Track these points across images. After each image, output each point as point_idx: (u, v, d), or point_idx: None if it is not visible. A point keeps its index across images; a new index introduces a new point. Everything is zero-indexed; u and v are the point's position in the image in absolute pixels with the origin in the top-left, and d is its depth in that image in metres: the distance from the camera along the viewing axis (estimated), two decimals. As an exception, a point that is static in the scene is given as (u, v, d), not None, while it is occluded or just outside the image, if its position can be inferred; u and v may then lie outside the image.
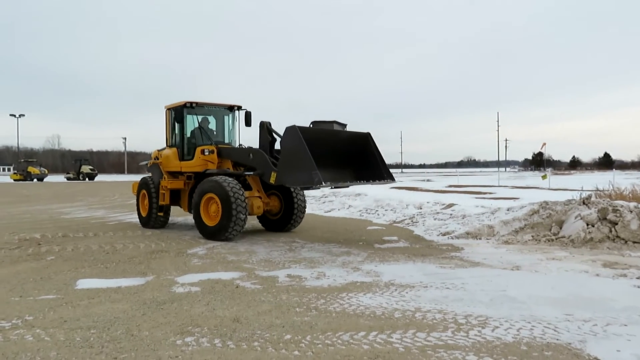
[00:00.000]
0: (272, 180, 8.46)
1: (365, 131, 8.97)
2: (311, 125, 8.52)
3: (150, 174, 11.25)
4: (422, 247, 7.88)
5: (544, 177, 26.63)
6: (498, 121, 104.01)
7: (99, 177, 63.71)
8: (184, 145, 10.37)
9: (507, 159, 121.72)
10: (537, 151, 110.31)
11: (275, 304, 4.57)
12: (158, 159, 10.95)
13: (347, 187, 10.32)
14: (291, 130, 7.76)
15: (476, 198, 15.94)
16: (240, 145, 10.85)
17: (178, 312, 4.32)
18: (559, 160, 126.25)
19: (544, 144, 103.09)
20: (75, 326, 3.94)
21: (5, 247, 7.92)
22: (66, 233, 9.60)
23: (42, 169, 59.27)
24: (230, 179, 8.86)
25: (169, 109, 10.72)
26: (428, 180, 38.10)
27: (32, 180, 55.34)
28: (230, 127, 11.00)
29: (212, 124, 10.91)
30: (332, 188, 8.99)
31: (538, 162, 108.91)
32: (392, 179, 8.56)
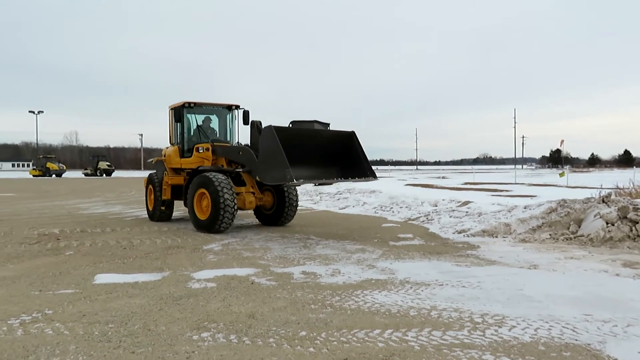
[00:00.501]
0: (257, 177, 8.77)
1: (349, 130, 9.20)
2: (290, 125, 8.91)
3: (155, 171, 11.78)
4: (438, 245, 7.83)
5: (561, 174, 26.25)
6: (515, 117, 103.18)
7: (116, 173, 64.51)
8: (184, 143, 10.86)
9: (524, 156, 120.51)
10: (555, 148, 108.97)
11: (290, 301, 4.58)
12: (164, 157, 11.46)
13: (330, 184, 10.53)
14: (267, 130, 8.10)
15: (492, 195, 15.79)
16: (238, 143, 11.13)
17: (194, 308, 4.36)
18: (577, 158, 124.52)
19: (562, 140, 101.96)
20: (93, 320, 3.99)
21: (25, 241, 8.06)
22: (84, 228, 9.74)
23: (60, 165, 60.32)
24: (220, 175, 9.26)
25: (171, 109, 11.14)
26: (443, 178, 37.85)
27: (50, 176, 56.30)
28: (230, 126, 11.47)
29: (215, 123, 11.37)
30: (316, 185, 9.31)
31: (556, 159, 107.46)
32: (374, 177, 8.88)
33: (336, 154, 9.05)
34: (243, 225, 10.42)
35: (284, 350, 3.38)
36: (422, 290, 4.94)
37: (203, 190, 9.27)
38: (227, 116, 11.44)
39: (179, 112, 10.76)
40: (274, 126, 8.11)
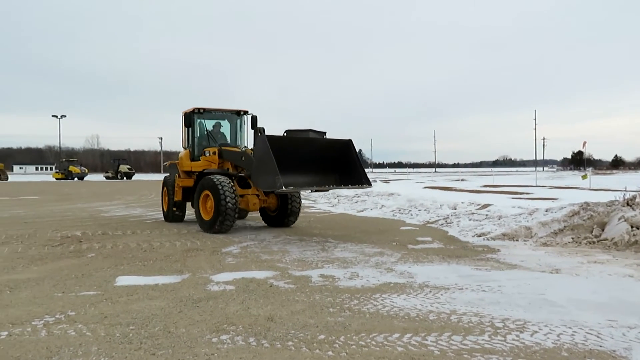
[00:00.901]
0: None
1: (347, 138, 9.46)
2: (285, 134, 9.32)
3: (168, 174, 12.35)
4: (457, 248, 7.75)
5: (584, 177, 25.78)
6: (535, 119, 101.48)
7: (136, 176, 65.45)
8: (194, 147, 11.31)
9: (545, 158, 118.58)
10: (577, 150, 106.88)
11: (308, 304, 4.58)
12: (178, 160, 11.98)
13: (325, 191, 10.73)
14: (261, 139, 8.51)
15: (513, 198, 15.60)
16: (245, 147, 11.45)
17: (213, 310, 4.38)
18: (600, 160, 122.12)
19: (585, 142, 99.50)
20: (114, 322, 4.05)
21: (48, 244, 8.22)
22: (105, 231, 9.89)
23: (82, 168, 61.36)
24: (223, 177, 9.64)
25: (183, 114, 11.50)
26: (462, 180, 37.51)
27: (73, 179, 57.30)
28: (239, 131, 11.84)
29: (225, 128, 11.80)
30: (312, 191, 9.61)
31: (578, 161, 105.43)
32: (369, 184, 9.19)
33: (333, 162, 9.32)
34: (260, 228, 10.47)
35: (302, 353, 3.37)
36: (441, 294, 4.90)
37: (207, 192, 9.69)
38: (237, 121, 11.79)
39: (189, 118, 11.13)
40: (266, 135, 8.60)
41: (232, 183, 9.55)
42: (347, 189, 9.16)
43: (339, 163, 9.34)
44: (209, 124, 11.58)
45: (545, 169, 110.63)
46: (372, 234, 9.51)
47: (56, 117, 72.94)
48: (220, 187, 9.29)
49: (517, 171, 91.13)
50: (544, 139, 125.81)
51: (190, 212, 11.77)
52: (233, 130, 11.86)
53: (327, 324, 3.99)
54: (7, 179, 55.06)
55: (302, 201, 13.46)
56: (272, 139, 8.46)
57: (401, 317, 4.16)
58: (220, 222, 9.30)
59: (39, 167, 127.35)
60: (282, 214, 10.70)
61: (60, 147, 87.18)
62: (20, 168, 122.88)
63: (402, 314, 4.26)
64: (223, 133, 11.70)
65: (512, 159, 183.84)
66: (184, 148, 11.75)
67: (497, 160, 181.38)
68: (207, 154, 10.69)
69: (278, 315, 4.22)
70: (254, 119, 11.09)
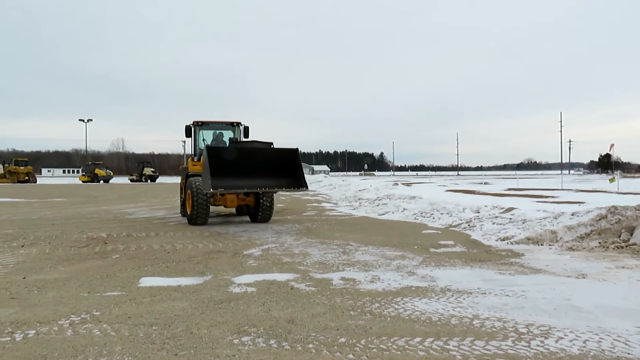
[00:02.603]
0: None
1: (294, 147, 11.08)
2: (230, 145, 11.14)
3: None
4: (480, 252, 7.65)
5: (611, 180, 25.15)
6: (561, 121, 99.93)
7: (160, 179, 66.31)
8: (195, 154, 13.17)
9: (570, 161, 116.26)
10: (605, 152, 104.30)
11: (329, 307, 4.57)
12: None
13: (258, 192, 11.69)
14: (205, 148, 10.39)
15: (538, 202, 15.31)
16: None
17: (235, 312, 4.42)
18: (628, 162, 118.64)
19: (612, 144, 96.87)
20: (138, 322, 4.11)
21: (75, 245, 8.39)
22: (130, 232, 10.05)
23: (108, 171, 62.52)
24: (199, 179, 11.15)
25: (185, 127, 13.12)
26: (485, 183, 36.97)
27: (98, 181, 58.41)
28: (239, 139, 13.37)
29: (227, 137, 13.39)
30: (261, 191, 11.20)
31: (605, 164, 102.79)
32: (306, 187, 10.79)
33: (282, 168, 10.78)
34: (282, 232, 10.51)
35: (323, 356, 3.37)
36: (463, 299, 4.84)
37: (189, 191, 11.67)
38: (234, 131, 13.41)
39: (190, 129, 13.00)
40: (207, 146, 10.70)
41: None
42: (282, 191, 10.58)
43: (287, 169, 10.77)
44: (208, 134, 13.34)
45: (572, 172, 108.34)
46: (394, 237, 9.46)
47: (83, 121, 74.43)
48: (194, 188, 11.10)
49: (542, 174, 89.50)
50: (570, 141, 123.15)
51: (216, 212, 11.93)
52: (233, 139, 13.35)
53: (348, 327, 3.98)
54: (35, 181, 56.50)
55: (324, 204, 15.19)
56: (213, 149, 10.47)
57: (423, 321, 4.13)
58: (196, 216, 11.17)
59: (66, 170, 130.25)
60: (256, 210, 12.20)
61: (86, 150, 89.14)
62: (48, 171, 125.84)
63: (424, 318, 4.23)
64: (225, 142, 13.25)
65: (537, 161, 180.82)
66: (192, 154, 13.60)
67: (521, 163, 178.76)
68: (195, 159, 12.73)
69: (299, 318, 4.23)
70: (246, 129, 13.19)
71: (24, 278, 5.83)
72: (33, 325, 4.04)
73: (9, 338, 3.73)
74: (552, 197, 18.18)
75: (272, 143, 11.49)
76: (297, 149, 11.02)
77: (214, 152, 10.37)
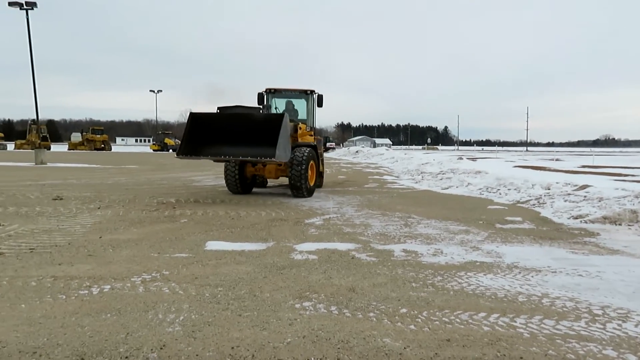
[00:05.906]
0: None
1: (281, 112, 10.73)
2: (218, 111, 10.34)
3: None
4: (550, 230, 7.29)
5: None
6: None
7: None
8: None
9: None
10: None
11: (390, 277, 4.53)
12: None
13: (239, 161, 11.09)
14: (189, 114, 10.24)
15: (616, 180, 14.37)
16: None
17: (297, 278, 4.47)
18: None
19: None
20: (204, 283, 4.26)
21: (146, 209, 8.81)
22: (197, 199, 10.42)
23: (176, 140, 65.07)
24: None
25: (258, 94, 12.70)
26: (557, 160, 35.14)
27: (168, 150, 61.02)
28: (311, 109, 13.05)
29: (301, 106, 13.11)
30: (241, 159, 10.43)
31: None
32: (276, 158, 9.46)
33: (271, 135, 9.74)
34: (343, 202, 10.50)
35: (384, 325, 3.35)
36: (532, 276, 4.64)
37: None
38: (308, 99, 12.93)
39: (263, 97, 12.51)
40: (192, 112, 10.22)
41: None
42: (256, 161, 9.95)
43: (273, 138, 9.75)
44: (280, 102, 12.90)
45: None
46: (457, 211, 9.20)
47: (153, 91, 77.40)
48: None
49: (620, 152, 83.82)
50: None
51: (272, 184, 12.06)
52: (306, 108, 13.05)
53: (410, 298, 3.93)
54: (110, 149, 59.88)
55: (385, 177, 15.02)
56: (195, 115, 10.13)
57: (487, 297, 4.00)
58: (227, 185, 11.49)
59: (138, 139, 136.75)
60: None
61: (157, 120, 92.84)
62: (122, 140, 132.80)
63: (489, 293, 4.09)
64: (296, 110, 12.91)
65: (616, 138, 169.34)
66: None
67: (597, 139, 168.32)
68: None
69: (360, 287, 4.22)
70: (320, 98, 12.59)
71: (100, 237, 6.20)
72: (108, 281, 4.29)
73: (86, 291, 3.98)
74: (633, 175, 17.00)
75: (260, 108, 10.90)
76: (283, 114, 10.06)
77: (194, 117, 10.16)
